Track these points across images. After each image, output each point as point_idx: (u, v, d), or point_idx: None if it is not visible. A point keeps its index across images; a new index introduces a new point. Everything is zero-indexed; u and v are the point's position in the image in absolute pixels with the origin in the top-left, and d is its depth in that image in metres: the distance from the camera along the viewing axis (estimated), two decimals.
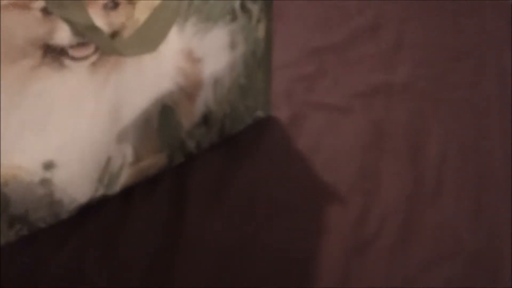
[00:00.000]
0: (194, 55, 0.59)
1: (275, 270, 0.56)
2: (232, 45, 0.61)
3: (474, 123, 0.67)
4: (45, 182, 0.56)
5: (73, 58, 0.52)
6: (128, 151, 0.59)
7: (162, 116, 0.60)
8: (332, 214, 0.60)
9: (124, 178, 0.60)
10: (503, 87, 0.70)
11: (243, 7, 0.60)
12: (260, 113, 0.66)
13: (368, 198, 0.61)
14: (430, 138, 0.65)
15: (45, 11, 0.49)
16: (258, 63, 0.63)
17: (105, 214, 0.59)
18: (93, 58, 0.53)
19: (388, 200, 0.61)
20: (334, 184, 0.62)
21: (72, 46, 0.51)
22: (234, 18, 0.60)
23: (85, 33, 0.50)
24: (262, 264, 0.57)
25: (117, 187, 0.60)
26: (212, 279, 0.55)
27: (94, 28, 0.49)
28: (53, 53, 0.51)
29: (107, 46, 0.50)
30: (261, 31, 0.62)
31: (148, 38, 0.52)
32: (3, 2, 0.48)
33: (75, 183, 0.58)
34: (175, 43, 0.57)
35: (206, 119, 0.62)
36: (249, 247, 0.57)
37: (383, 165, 0.63)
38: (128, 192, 0.61)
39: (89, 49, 0.52)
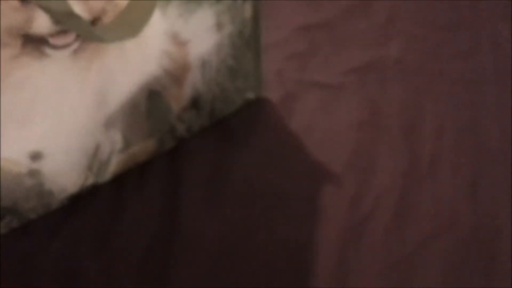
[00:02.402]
0: (179, 38, 0.58)
1: (272, 257, 0.56)
2: (219, 26, 0.60)
3: (469, 97, 0.66)
4: (33, 172, 0.55)
5: (54, 47, 0.51)
6: (117, 138, 0.58)
7: (150, 100, 0.59)
8: (327, 194, 0.59)
9: (114, 165, 0.59)
10: (498, 59, 0.68)
11: None
12: (251, 95, 0.65)
13: (363, 177, 0.60)
14: (425, 113, 0.64)
15: (23, 0, 0.48)
16: (246, 44, 0.62)
17: (97, 205, 0.59)
18: (75, 45, 0.52)
19: (383, 178, 0.60)
20: (328, 164, 0.61)
21: (52, 35, 0.51)
22: None
23: (64, 21, 0.49)
24: (258, 252, 0.56)
25: (107, 174, 0.59)
26: (208, 270, 0.55)
27: (73, 16, 0.48)
28: (33, 42, 0.50)
29: (87, 33, 0.50)
30: (247, 11, 0.61)
31: (130, 23, 0.52)
32: None
33: (64, 172, 0.57)
34: (159, 26, 0.56)
35: (195, 102, 0.62)
36: (244, 235, 0.57)
37: (378, 142, 0.62)
38: (119, 182, 0.60)
39: (70, 37, 0.51)
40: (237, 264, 0.55)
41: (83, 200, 0.59)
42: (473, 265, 0.55)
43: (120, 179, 0.60)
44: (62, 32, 0.51)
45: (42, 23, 0.50)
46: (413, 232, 0.57)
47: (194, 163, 0.61)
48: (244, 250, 0.56)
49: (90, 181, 0.59)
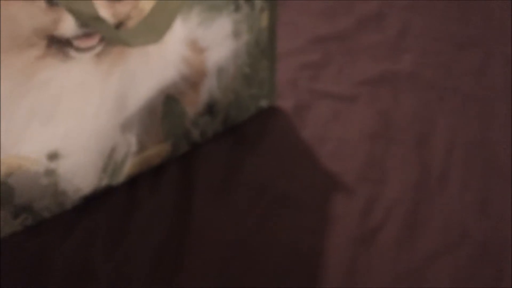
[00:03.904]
0: (198, 45, 0.59)
1: (282, 262, 0.56)
2: (236, 34, 0.61)
3: (481, 112, 0.66)
4: (49, 172, 0.56)
5: (78, 49, 0.52)
6: (132, 141, 0.59)
7: (166, 105, 0.59)
8: (338, 204, 0.60)
9: (128, 168, 0.60)
10: (510, 76, 0.69)
11: None
12: (264, 103, 0.66)
13: (374, 188, 0.61)
14: (436, 127, 0.65)
15: (50, 2, 0.49)
16: (261, 52, 0.63)
17: (110, 206, 0.59)
18: (98, 48, 0.53)
19: (394, 190, 0.61)
20: (340, 174, 0.62)
21: (77, 37, 0.51)
22: (237, 7, 0.59)
23: (90, 24, 0.49)
24: (269, 256, 0.56)
25: (121, 176, 0.60)
26: (219, 271, 0.55)
27: (99, 19, 0.49)
28: (58, 44, 0.51)
29: (112, 37, 0.50)
30: (264, 21, 0.62)
31: (153, 28, 0.52)
32: None
33: (80, 173, 0.57)
34: (180, 32, 0.57)
35: (210, 108, 0.62)
36: (256, 240, 0.57)
37: (389, 154, 0.63)
38: (133, 183, 0.61)
39: (94, 40, 0.52)
40: (248, 267, 0.56)
41: (97, 200, 0.59)
42: (482, 280, 0.55)
43: (134, 181, 0.61)
44: (87, 35, 0.52)
45: (67, 25, 0.50)
46: (422, 245, 0.57)
47: (207, 167, 0.62)
48: (255, 255, 0.56)
49: (105, 182, 0.59)
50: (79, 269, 0.55)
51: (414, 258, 0.56)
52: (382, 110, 0.66)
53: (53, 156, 0.55)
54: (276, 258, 0.56)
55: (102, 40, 0.52)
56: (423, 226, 0.58)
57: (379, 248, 0.57)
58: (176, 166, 0.62)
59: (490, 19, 0.74)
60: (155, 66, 0.57)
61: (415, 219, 0.59)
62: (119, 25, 0.52)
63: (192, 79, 0.60)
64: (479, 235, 0.58)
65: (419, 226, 0.58)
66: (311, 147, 0.64)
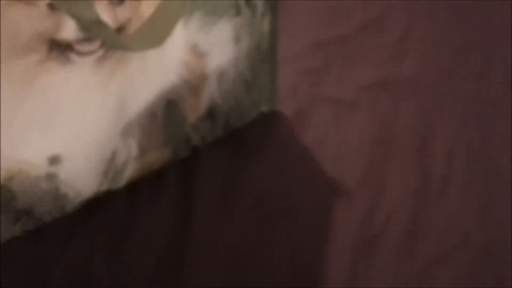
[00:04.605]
0: (199, 49, 0.59)
1: (282, 271, 0.56)
2: (237, 39, 0.61)
3: (481, 118, 0.66)
4: (50, 176, 0.56)
5: (79, 53, 0.52)
6: (133, 145, 0.59)
7: (167, 110, 0.59)
8: (339, 209, 0.60)
9: (129, 172, 0.60)
10: (510, 81, 0.69)
11: (248, 2, 0.59)
12: (265, 108, 0.66)
13: (374, 194, 0.61)
14: (437, 133, 0.65)
15: (51, 6, 0.49)
16: (262, 58, 0.63)
17: (111, 212, 0.59)
18: (99, 53, 0.53)
19: (395, 196, 0.61)
20: (340, 179, 0.62)
21: (78, 41, 0.51)
22: (238, 12, 0.59)
23: (91, 28, 0.49)
24: (269, 266, 0.56)
25: (122, 181, 0.60)
26: (220, 278, 0.55)
27: (100, 23, 0.49)
28: (59, 48, 0.51)
29: (113, 41, 0.50)
30: (265, 26, 0.62)
31: (154, 33, 0.52)
32: None
33: (80, 177, 0.57)
34: (180, 37, 0.57)
35: (211, 113, 0.62)
36: (256, 249, 0.57)
37: (390, 160, 0.63)
38: (134, 189, 0.61)
39: (95, 44, 0.52)
40: (249, 274, 0.56)
41: (98, 206, 0.59)
42: (483, 285, 0.55)
43: (134, 186, 0.61)
44: (88, 39, 0.51)
45: (69, 29, 0.50)
46: (423, 251, 0.57)
47: (208, 172, 0.62)
48: (256, 261, 0.56)
49: (105, 187, 0.59)
50: (79, 276, 0.55)
51: (415, 264, 0.56)
52: (383, 115, 0.66)
53: (53, 160, 0.55)
54: (277, 265, 0.56)
55: (103, 44, 0.52)
56: (424, 232, 0.58)
57: (379, 254, 0.57)
58: (177, 171, 0.62)
59: (490, 24, 0.74)
60: (156, 71, 0.57)
61: (415, 225, 0.59)
62: (120, 29, 0.52)
63: (193, 84, 0.60)
64: (480, 241, 0.58)
65: (419, 232, 0.58)
66: (312, 152, 0.64)
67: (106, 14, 0.51)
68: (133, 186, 0.61)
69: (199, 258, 0.56)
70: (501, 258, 0.57)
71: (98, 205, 0.59)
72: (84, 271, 0.55)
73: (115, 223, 0.58)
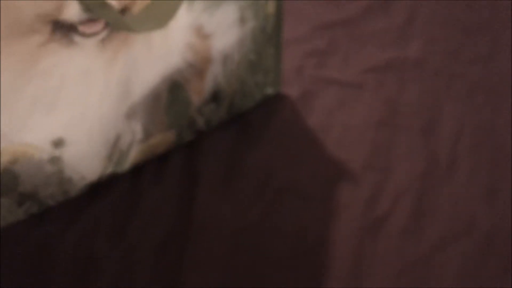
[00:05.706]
0: (203, 31, 0.58)
1: (287, 252, 0.56)
2: (242, 21, 0.60)
3: (488, 100, 0.66)
4: (54, 159, 0.56)
5: (83, 34, 0.51)
6: (137, 128, 0.59)
7: (171, 92, 0.59)
8: (344, 193, 0.59)
9: (133, 156, 0.60)
10: None
11: None
12: (270, 90, 0.65)
13: (380, 176, 0.60)
14: (443, 115, 0.65)
15: None
16: (268, 39, 0.63)
17: (115, 194, 0.59)
18: (103, 34, 0.52)
19: (401, 178, 0.60)
20: (346, 162, 0.61)
21: (81, 22, 0.51)
22: None
23: (95, 9, 0.49)
24: (274, 246, 0.56)
25: (126, 164, 0.60)
26: (223, 261, 0.55)
27: (104, 4, 0.49)
28: (62, 29, 0.50)
29: (117, 22, 0.50)
30: (270, 7, 0.61)
31: (158, 14, 0.52)
32: None
33: (85, 161, 0.57)
34: (185, 19, 0.56)
35: (215, 96, 0.62)
36: (261, 230, 0.57)
37: (396, 142, 0.63)
38: (138, 172, 0.60)
39: (99, 26, 0.52)
40: (252, 257, 0.55)
41: (102, 189, 0.59)
42: (489, 268, 0.55)
43: (139, 170, 0.60)
44: (91, 20, 0.51)
45: (72, 10, 0.50)
46: (429, 233, 0.57)
47: (212, 155, 0.62)
48: (260, 244, 0.56)
49: (109, 170, 0.59)
50: (83, 259, 0.55)
51: (421, 247, 0.56)
52: (389, 97, 0.66)
53: (57, 143, 0.55)
54: (281, 248, 0.56)
55: (106, 25, 0.52)
56: (430, 215, 0.58)
57: (385, 237, 0.57)
58: (181, 154, 0.62)
59: (497, 5, 0.74)
60: (160, 52, 0.56)
61: (421, 208, 0.58)
62: (124, 10, 0.52)
63: (197, 66, 0.59)
64: (486, 224, 0.57)
65: (426, 215, 0.58)
66: (317, 134, 0.63)
67: None
68: (138, 169, 0.61)
69: (203, 240, 0.56)
70: (508, 241, 0.56)
71: (102, 188, 0.59)
72: (89, 254, 0.55)
73: (119, 206, 0.58)
